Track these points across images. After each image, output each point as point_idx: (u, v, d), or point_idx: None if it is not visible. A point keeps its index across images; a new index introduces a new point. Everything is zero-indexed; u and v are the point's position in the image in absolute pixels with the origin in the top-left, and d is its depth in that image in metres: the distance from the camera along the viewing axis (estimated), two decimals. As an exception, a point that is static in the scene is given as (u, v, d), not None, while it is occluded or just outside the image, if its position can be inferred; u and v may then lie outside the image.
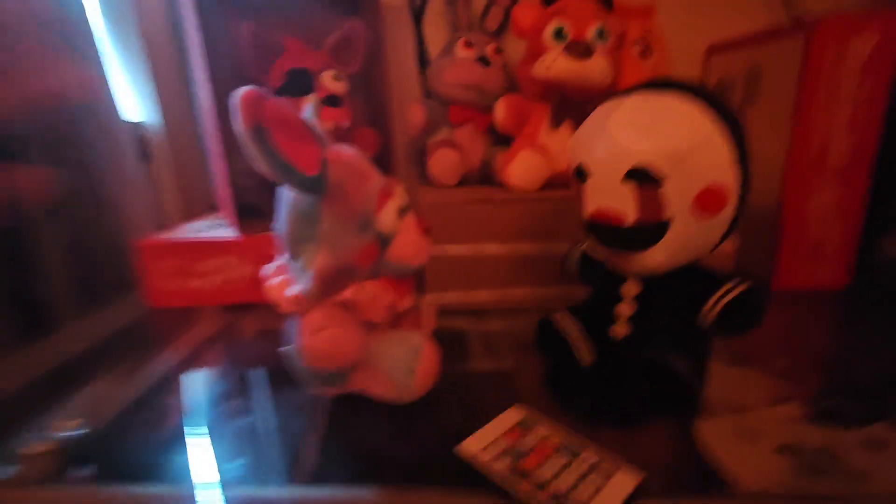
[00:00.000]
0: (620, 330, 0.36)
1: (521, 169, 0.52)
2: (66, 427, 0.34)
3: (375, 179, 0.32)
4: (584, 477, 0.26)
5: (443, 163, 0.57)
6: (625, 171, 0.30)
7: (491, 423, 0.31)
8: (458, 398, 0.37)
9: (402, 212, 0.33)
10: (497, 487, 0.26)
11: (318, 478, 0.30)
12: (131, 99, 0.70)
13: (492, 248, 0.51)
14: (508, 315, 0.52)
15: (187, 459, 0.33)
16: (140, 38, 0.67)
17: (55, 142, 0.59)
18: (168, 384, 0.42)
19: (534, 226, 0.50)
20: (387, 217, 0.31)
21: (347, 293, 0.31)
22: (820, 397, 0.36)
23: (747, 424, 0.35)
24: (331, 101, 0.55)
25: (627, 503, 0.25)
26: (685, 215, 0.30)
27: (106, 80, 0.64)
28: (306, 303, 0.31)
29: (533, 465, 0.27)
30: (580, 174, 0.34)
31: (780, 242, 0.55)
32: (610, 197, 0.31)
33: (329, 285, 0.31)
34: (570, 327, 0.38)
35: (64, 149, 0.60)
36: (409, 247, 0.33)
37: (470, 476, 0.28)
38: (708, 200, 0.29)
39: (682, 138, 0.28)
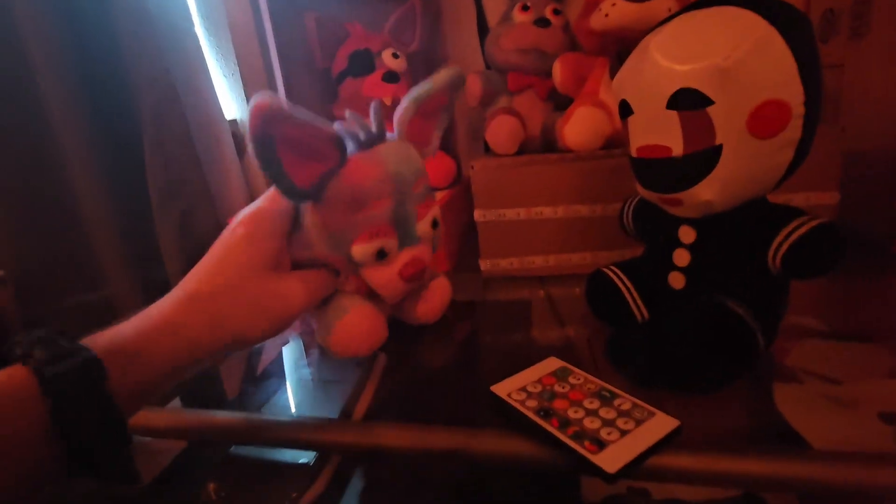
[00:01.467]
0: (677, 280, 0.33)
1: (579, 127, 0.50)
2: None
3: (372, 216, 0.31)
4: (612, 421, 0.25)
5: (500, 131, 0.56)
6: (667, 98, 0.27)
7: (528, 369, 0.31)
8: (514, 366, 0.35)
9: (383, 255, 0.32)
10: (525, 423, 0.26)
11: (370, 416, 0.33)
12: (227, 99, 0.78)
13: (548, 212, 0.49)
14: (566, 281, 0.50)
15: (262, 395, 0.38)
16: (231, 45, 0.76)
17: (169, 139, 0.69)
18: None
19: (593, 187, 0.48)
20: (360, 252, 0.31)
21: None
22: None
23: (843, 393, 0.30)
24: (390, 77, 0.57)
25: (656, 449, 0.23)
26: (739, 139, 0.26)
27: (210, 83, 0.73)
28: None
29: (562, 407, 0.26)
30: (624, 111, 0.32)
31: (904, 195, 0.46)
32: (654, 129, 0.29)
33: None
34: (623, 281, 0.36)
35: (176, 145, 0.69)
36: (378, 281, 0.33)
37: (503, 415, 0.28)
38: (764, 119, 0.25)
39: (728, 52, 0.25)
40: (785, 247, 0.27)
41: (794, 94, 0.25)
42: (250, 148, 0.26)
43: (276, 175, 0.27)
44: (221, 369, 0.45)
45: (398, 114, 0.33)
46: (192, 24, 0.70)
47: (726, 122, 0.26)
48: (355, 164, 0.30)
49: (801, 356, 0.35)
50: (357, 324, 0.33)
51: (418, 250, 0.33)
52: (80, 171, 0.68)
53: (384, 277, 0.33)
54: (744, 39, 0.25)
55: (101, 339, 0.21)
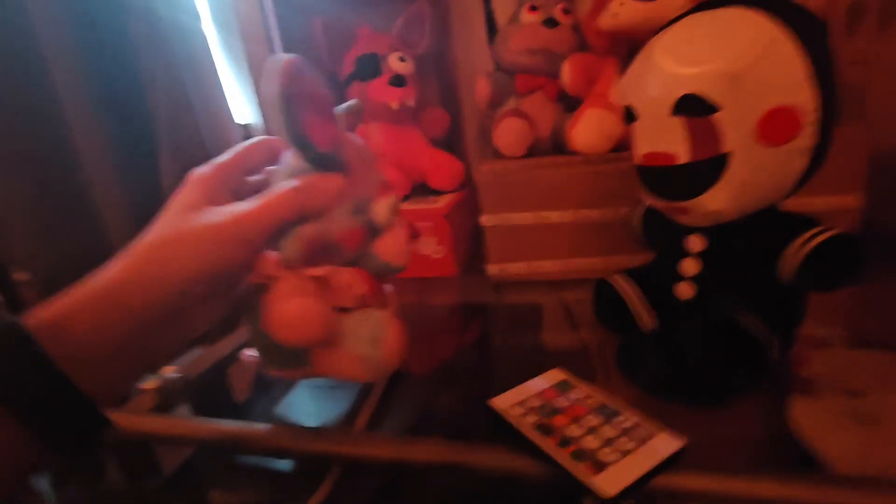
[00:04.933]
0: (685, 290, 0.32)
1: (588, 129, 0.48)
2: (169, 372, 0.41)
3: (379, 171, 0.32)
4: (614, 439, 0.24)
5: (507, 133, 0.55)
6: (672, 104, 0.26)
7: (530, 381, 0.30)
8: (520, 372, 0.34)
9: (395, 211, 0.32)
10: (522, 441, 0.25)
11: (374, 424, 0.32)
12: (239, 103, 0.79)
13: (556, 216, 0.48)
14: (577, 285, 0.49)
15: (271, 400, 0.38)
16: (243, 51, 0.76)
17: (183, 143, 0.70)
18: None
19: (603, 191, 0.47)
20: (381, 209, 0.31)
21: (321, 271, 0.31)
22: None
23: (865, 407, 0.29)
24: (397, 81, 0.57)
25: (658, 471, 0.22)
26: (748, 146, 0.25)
27: (222, 89, 0.74)
28: (280, 268, 0.30)
29: (562, 423, 0.26)
30: (628, 117, 0.31)
31: (933, 196, 0.44)
32: (659, 136, 0.28)
33: (308, 257, 0.30)
34: (629, 290, 0.35)
35: (190, 150, 0.71)
36: (395, 245, 0.32)
37: (501, 430, 0.27)
38: (774, 126, 0.24)
39: (736, 56, 0.24)
40: (798, 258, 0.26)
41: (806, 99, 0.24)
42: (276, 108, 0.25)
43: (300, 139, 0.27)
44: (231, 373, 0.45)
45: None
46: (203, 31, 0.71)
47: (734, 129, 0.25)
48: (346, 133, 0.31)
49: (820, 366, 0.33)
50: (399, 332, 0.31)
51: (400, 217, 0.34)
52: (99, 177, 0.70)
53: (400, 240, 0.32)
54: (753, 43, 0.24)
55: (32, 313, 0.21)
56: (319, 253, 0.30)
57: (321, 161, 0.28)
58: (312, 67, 0.26)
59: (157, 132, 0.69)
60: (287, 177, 0.30)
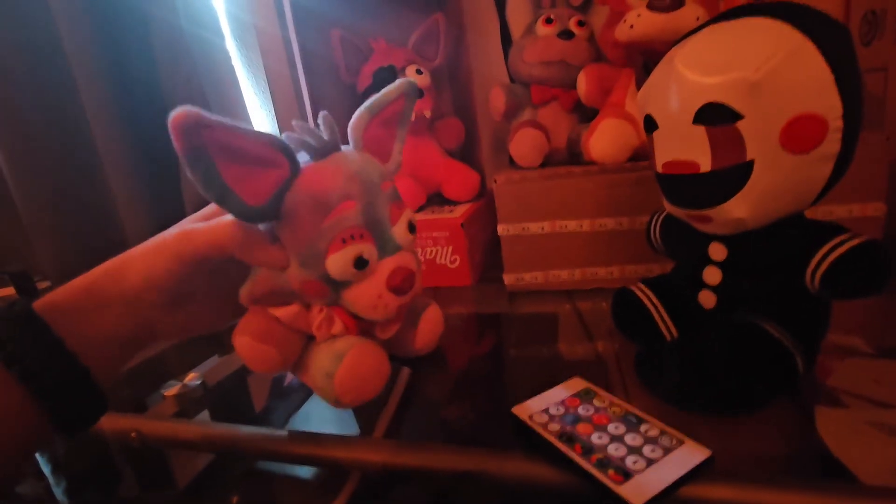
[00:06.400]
0: (707, 299, 0.32)
1: (605, 139, 0.49)
2: (190, 379, 0.41)
3: (341, 218, 0.27)
4: (639, 448, 0.24)
5: (523, 143, 0.55)
6: (694, 113, 0.26)
7: (551, 389, 0.30)
8: (537, 382, 0.33)
9: (362, 263, 0.28)
10: (547, 448, 0.25)
11: (392, 432, 0.32)
12: (259, 117, 0.81)
13: (572, 226, 0.48)
14: (593, 295, 0.49)
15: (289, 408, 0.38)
16: (263, 66, 0.78)
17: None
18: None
19: (619, 200, 0.47)
20: (335, 263, 0.27)
21: (281, 311, 0.29)
22: None
23: (892, 418, 0.28)
24: (413, 93, 0.58)
25: (685, 480, 0.22)
26: (771, 154, 0.25)
27: (242, 101, 0.76)
28: (243, 302, 0.30)
29: (586, 432, 0.25)
30: (648, 126, 0.31)
31: (958, 205, 0.43)
32: (681, 145, 0.28)
33: (262, 301, 0.29)
34: (651, 299, 0.35)
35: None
36: (364, 299, 0.29)
37: (524, 437, 0.27)
38: (798, 134, 0.24)
39: (758, 64, 0.24)
40: (824, 266, 0.26)
41: (830, 107, 0.24)
42: (186, 170, 0.23)
43: (220, 193, 0.24)
44: (250, 382, 0.46)
45: (353, 122, 0.30)
46: (224, 47, 0.73)
47: (757, 137, 0.25)
48: (312, 171, 0.27)
49: (846, 377, 0.33)
50: (360, 364, 0.29)
51: (401, 258, 0.29)
52: (121, 189, 0.72)
53: (371, 293, 0.28)
54: (775, 51, 0.24)
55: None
56: (279, 297, 0.29)
57: (255, 216, 0.26)
58: (216, 117, 0.23)
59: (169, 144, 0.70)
60: None
